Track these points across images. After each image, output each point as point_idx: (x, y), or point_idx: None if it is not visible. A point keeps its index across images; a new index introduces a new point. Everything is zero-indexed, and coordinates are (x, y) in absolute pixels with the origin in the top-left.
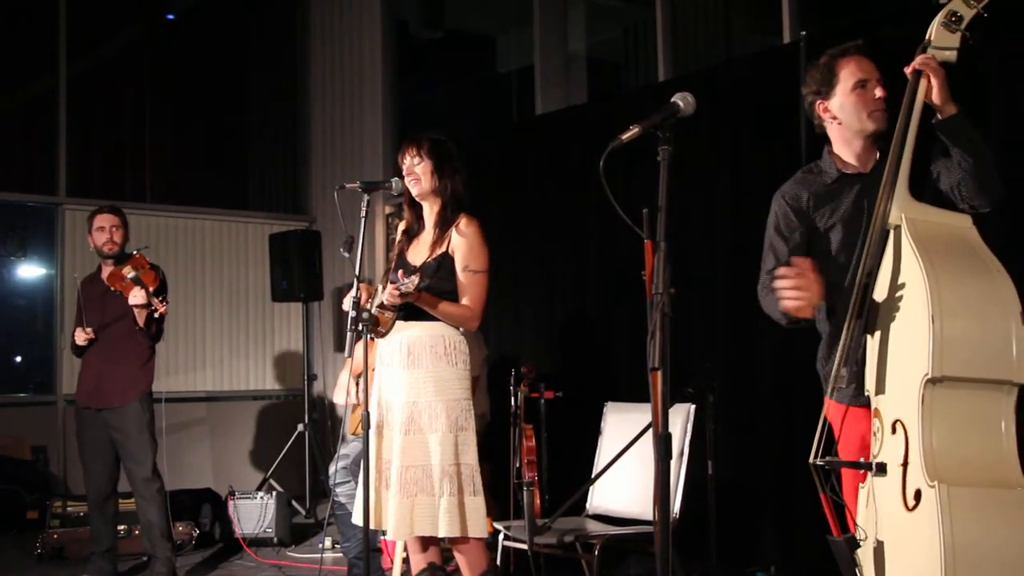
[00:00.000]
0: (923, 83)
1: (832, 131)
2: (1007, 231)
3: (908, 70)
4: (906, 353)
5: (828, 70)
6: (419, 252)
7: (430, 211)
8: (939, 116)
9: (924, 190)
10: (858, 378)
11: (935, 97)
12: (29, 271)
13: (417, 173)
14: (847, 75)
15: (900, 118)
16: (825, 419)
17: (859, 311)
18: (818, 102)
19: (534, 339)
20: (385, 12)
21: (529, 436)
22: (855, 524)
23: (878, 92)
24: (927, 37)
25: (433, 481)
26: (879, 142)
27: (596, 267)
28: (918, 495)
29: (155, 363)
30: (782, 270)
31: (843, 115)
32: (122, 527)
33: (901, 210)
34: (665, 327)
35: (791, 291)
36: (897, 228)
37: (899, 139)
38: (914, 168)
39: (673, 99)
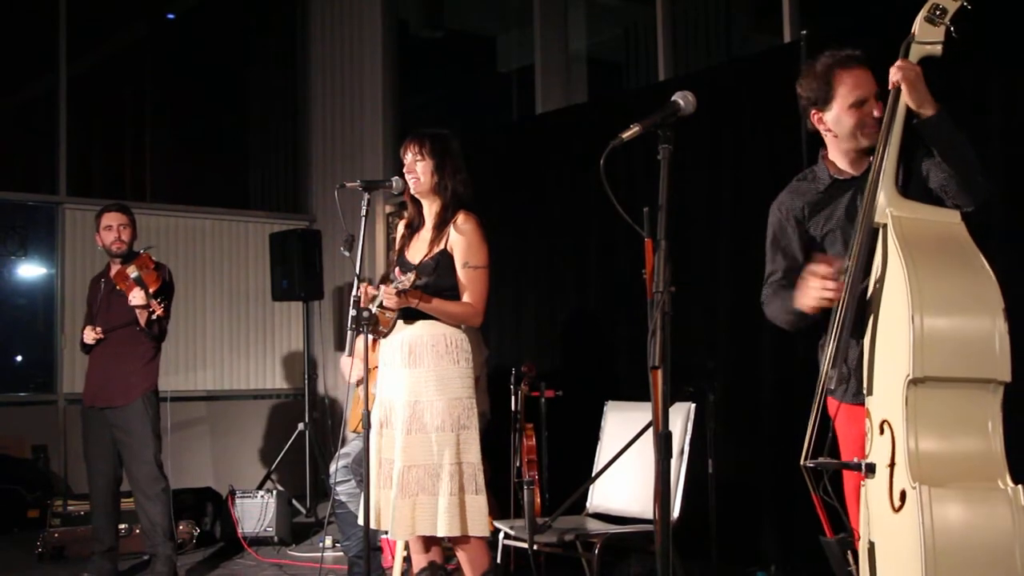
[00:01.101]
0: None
1: (826, 139)
2: (1004, 227)
3: (891, 85)
4: (891, 353)
5: (826, 81)
6: (418, 250)
7: (429, 209)
8: (919, 117)
9: (913, 187)
10: (848, 378)
11: (909, 101)
12: (29, 270)
13: (417, 171)
14: (846, 92)
15: (886, 115)
16: (817, 420)
17: (847, 312)
18: (813, 111)
19: (534, 338)
20: (385, 11)
21: (529, 435)
22: (855, 525)
23: (876, 112)
24: (911, 32)
25: (434, 480)
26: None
27: (597, 266)
28: (903, 496)
29: (159, 361)
30: (819, 268)
31: (838, 129)
32: (123, 526)
33: (887, 207)
34: (665, 326)
35: (818, 289)
36: (884, 226)
37: (884, 136)
38: (904, 165)
39: (673, 98)
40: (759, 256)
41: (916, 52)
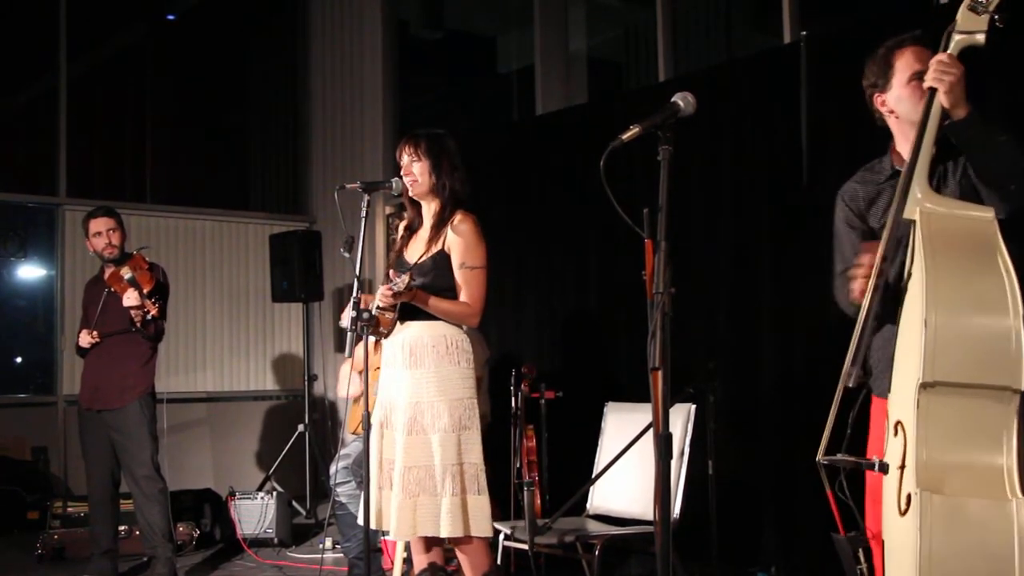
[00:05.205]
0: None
1: (891, 125)
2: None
3: (924, 84)
4: (909, 354)
5: (884, 62)
6: (416, 250)
7: (428, 209)
8: (951, 118)
9: (965, 182)
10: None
11: (943, 102)
12: (29, 272)
13: (415, 173)
14: (903, 66)
15: (922, 110)
16: (834, 417)
17: (871, 310)
18: (875, 95)
19: (534, 339)
20: (385, 12)
21: (530, 436)
22: (869, 524)
23: None
24: (955, 21)
25: (436, 481)
26: None
27: (596, 267)
28: (909, 500)
29: (156, 363)
30: (863, 259)
31: (899, 107)
32: (122, 528)
33: (917, 204)
34: (665, 327)
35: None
36: (914, 222)
37: (919, 130)
38: (947, 159)
39: (673, 99)
40: (759, 256)
41: (957, 43)
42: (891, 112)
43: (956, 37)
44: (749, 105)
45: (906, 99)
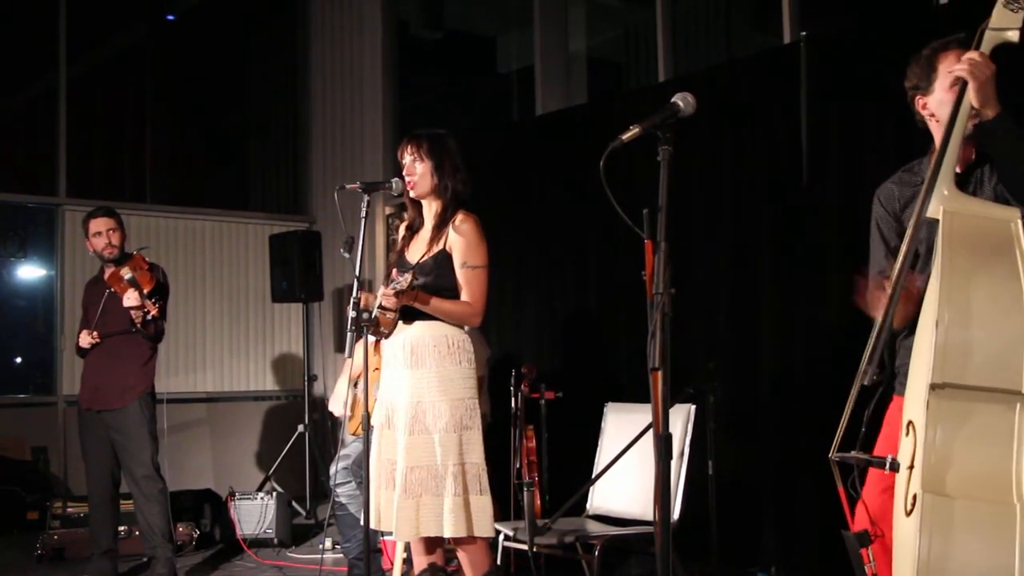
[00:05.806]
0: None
1: (932, 128)
2: None
3: (953, 75)
4: (923, 355)
5: (928, 64)
6: (417, 250)
7: (429, 209)
8: (980, 118)
9: (987, 187)
10: (888, 378)
11: (972, 100)
12: (29, 272)
13: (416, 173)
14: (946, 69)
15: (952, 108)
16: (849, 415)
17: (890, 309)
18: (917, 97)
19: (534, 339)
20: (385, 12)
21: (530, 437)
22: (870, 519)
23: None
24: (988, 19)
25: (438, 481)
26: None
27: (596, 267)
28: (915, 500)
29: (156, 363)
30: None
31: (940, 111)
32: (122, 528)
33: (941, 203)
34: (665, 327)
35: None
36: (937, 223)
37: (947, 127)
38: (986, 163)
39: (673, 99)
40: (759, 256)
41: (990, 40)
42: (932, 115)
43: (988, 34)
44: (749, 105)
45: (948, 103)
